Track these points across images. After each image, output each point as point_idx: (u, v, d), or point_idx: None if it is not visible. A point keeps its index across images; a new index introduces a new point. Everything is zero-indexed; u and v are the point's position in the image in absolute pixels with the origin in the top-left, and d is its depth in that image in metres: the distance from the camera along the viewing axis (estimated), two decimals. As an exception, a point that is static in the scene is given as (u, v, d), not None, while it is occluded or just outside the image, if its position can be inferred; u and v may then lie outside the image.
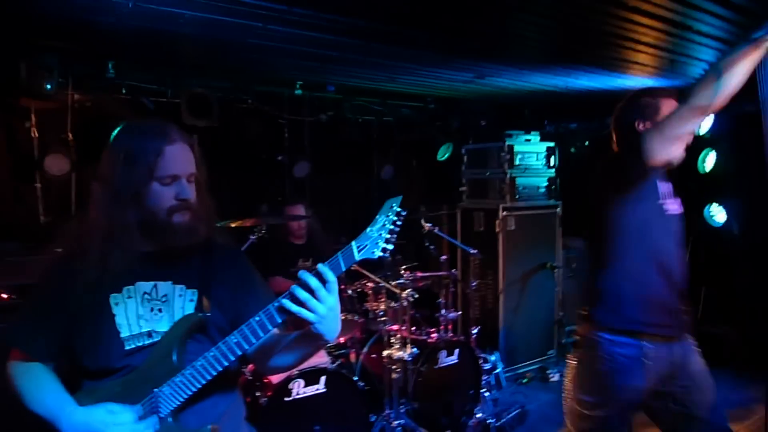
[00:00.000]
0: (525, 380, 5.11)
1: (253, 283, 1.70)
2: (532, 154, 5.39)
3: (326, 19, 3.09)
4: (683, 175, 5.68)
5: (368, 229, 1.43)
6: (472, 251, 4.38)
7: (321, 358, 3.39)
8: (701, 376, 2.29)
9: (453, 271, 4.26)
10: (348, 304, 3.83)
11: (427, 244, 4.34)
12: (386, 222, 1.43)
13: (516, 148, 5.24)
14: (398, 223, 1.44)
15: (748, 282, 5.29)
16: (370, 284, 3.80)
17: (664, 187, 2.34)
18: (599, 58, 4.04)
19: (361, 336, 3.96)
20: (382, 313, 3.75)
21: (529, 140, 5.40)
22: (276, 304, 1.42)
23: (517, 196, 5.24)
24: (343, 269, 1.41)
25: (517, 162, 5.24)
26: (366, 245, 1.41)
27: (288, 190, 5.29)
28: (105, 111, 4.19)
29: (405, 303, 3.67)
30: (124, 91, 4.24)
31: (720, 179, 5.24)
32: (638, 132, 2.26)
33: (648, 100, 2.33)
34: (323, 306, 1.39)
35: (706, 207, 5.37)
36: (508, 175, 5.18)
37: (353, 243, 1.42)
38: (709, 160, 5.24)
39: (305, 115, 5.37)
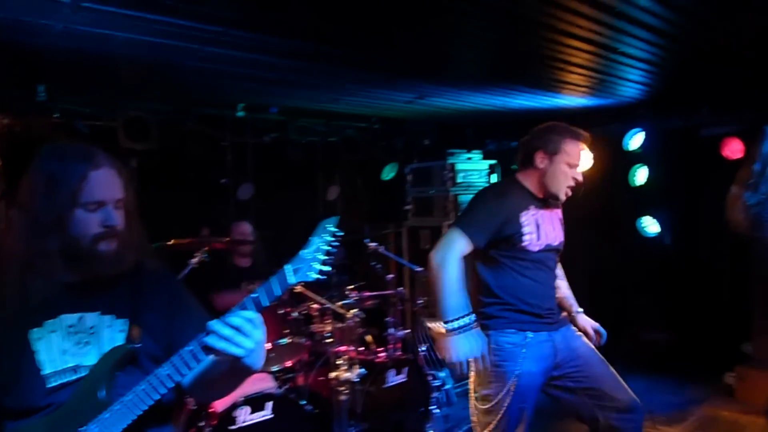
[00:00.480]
0: (475, 395, 5.14)
1: (187, 308, 1.64)
2: (474, 171, 5.51)
3: (265, 41, 3.09)
4: (617, 189, 5.95)
5: (303, 252, 1.41)
6: (417, 269, 4.41)
7: (267, 383, 3.33)
8: (589, 354, 2.62)
9: (400, 289, 4.28)
10: (294, 326, 3.78)
11: (373, 263, 4.35)
12: (321, 243, 1.41)
13: (458, 167, 5.35)
14: (334, 244, 1.43)
15: (682, 289, 5.53)
16: (315, 306, 3.77)
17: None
18: (534, 78, 4.19)
19: (309, 359, 3.91)
20: (329, 334, 3.72)
21: (470, 158, 5.52)
22: (205, 335, 1.38)
23: (460, 213, 5.32)
24: (278, 294, 1.39)
25: (459, 180, 5.34)
26: (300, 268, 1.39)
27: (232, 214, 5.21)
28: (36, 136, 4.04)
29: (351, 323, 3.66)
30: (57, 115, 4.10)
31: (652, 192, 5.48)
32: (534, 162, 2.58)
33: (554, 138, 2.56)
34: (250, 341, 1.36)
35: (639, 219, 5.59)
36: (451, 193, 5.26)
37: (287, 266, 1.39)
38: (640, 175, 5.47)
39: (248, 137, 5.32)
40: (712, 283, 5.35)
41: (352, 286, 4.05)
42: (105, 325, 1.51)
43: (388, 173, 6.30)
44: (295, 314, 3.80)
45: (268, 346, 3.53)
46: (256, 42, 3.08)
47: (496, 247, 2.57)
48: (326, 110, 5.24)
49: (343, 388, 3.57)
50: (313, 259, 1.40)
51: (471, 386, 2.65)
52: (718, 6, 2.86)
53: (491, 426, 2.50)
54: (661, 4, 2.75)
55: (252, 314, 1.36)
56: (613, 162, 5.32)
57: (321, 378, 3.81)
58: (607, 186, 5.16)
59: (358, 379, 3.60)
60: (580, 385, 2.58)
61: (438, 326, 2.46)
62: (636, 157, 5.45)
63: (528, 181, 2.64)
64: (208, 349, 1.37)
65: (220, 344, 1.34)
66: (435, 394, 4.17)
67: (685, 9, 2.85)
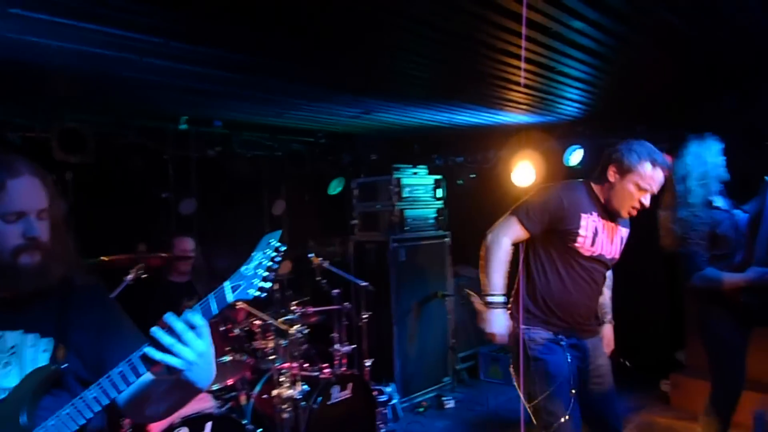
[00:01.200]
0: (421, 409, 5.16)
1: (117, 326, 1.56)
2: (420, 186, 5.56)
3: (206, 54, 3.05)
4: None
5: (243, 268, 1.36)
6: (362, 283, 4.40)
7: (206, 403, 3.24)
8: (607, 375, 2.81)
9: (346, 304, 4.26)
10: (235, 343, 3.69)
11: (318, 278, 4.31)
12: (263, 259, 1.36)
13: (404, 181, 5.39)
14: (277, 259, 1.38)
15: (619, 300, 5.70)
16: (257, 322, 3.70)
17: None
18: (478, 96, 4.28)
19: (252, 376, 3.82)
20: (271, 351, 3.65)
21: (416, 173, 5.57)
22: (139, 353, 1.31)
23: (406, 228, 5.37)
24: (215, 311, 1.33)
25: (405, 195, 5.38)
26: (240, 285, 1.34)
27: (174, 229, 5.08)
28: (-38, 147, 3.85)
29: (295, 339, 3.61)
30: (-14, 126, 3.92)
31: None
32: (607, 175, 2.62)
33: (632, 157, 2.56)
34: (191, 351, 1.28)
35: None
36: (397, 208, 5.30)
37: (226, 283, 1.34)
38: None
39: (191, 150, 5.20)
40: (648, 295, 5.54)
41: (296, 302, 4.00)
42: (28, 344, 1.43)
43: (335, 188, 6.29)
44: (236, 331, 3.72)
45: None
46: (197, 54, 3.04)
47: (551, 242, 2.63)
48: (272, 124, 5.20)
49: (286, 406, 3.50)
50: (254, 276, 1.35)
51: (521, 393, 2.66)
52: (647, 31, 3.01)
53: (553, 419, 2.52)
54: (594, 27, 2.87)
55: (198, 320, 1.30)
56: (555, 177, 5.47)
57: (263, 396, 3.73)
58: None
59: (300, 396, 3.55)
60: (588, 399, 2.67)
61: (478, 299, 2.63)
62: (576, 173, 5.62)
63: (599, 190, 2.67)
64: (148, 361, 1.30)
65: (159, 355, 1.28)
66: (381, 410, 4.15)
67: (617, 33, 2.98)
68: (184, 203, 5.11)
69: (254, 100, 4.20)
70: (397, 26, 2.77)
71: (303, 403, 3.57)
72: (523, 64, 3.38)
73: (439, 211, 5.71)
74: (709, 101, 4.49)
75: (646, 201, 2.57)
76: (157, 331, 1.29)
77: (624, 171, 2.55)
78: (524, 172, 5.57)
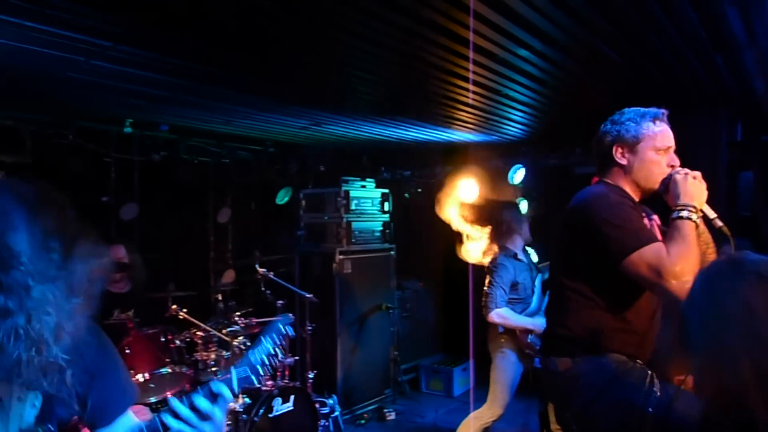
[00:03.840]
0: (363, 421, 5.18)
1: (113, 377, 1.43)
2: (368, 199, 5.61)
3: (155, 59, 3.01)
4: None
5: (251, 354, 1.32)
6: (307, 295, 4.40)
7: (144, 416, 3.15)
8: None
9: (289, 315, 4.23)
10: (175, 355, 3.62)
11: (263, 289, 4.28)
12: (273, 347, 1.34)
13: (352, 194, 5.42)
14: (281, 345, 1.37)
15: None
16: (199, 333, 3.64)
17: None
18: (425, 113, 4.38)
19: (191, 389, 3.74)
20: (213, 362, 3.60)
21: (364, 186, 5.62)
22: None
23: (353, 240, 5.40)
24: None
25: (353, 207, 5.41)
26: (248, 375, 1.31)
27: (113, 235, 4.93)
28: None
29: (237, 351, 3.57)
30: None
31: (532, 224, 5.85)
32: (615, 160, 2.17)
33: (629, 125, 2.17)
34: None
35: (521, 249, 5.95)
36: (344, 220, 5.32)
37: (234, 370, 1.30)
38: (522, 207, 5.84)
39: (135, 154, 5.08)
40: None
41: (239, 313, 3.96)
42: (14, 396, 1.27)
43: (282, 197, 6.26)
44: (177, 342, 3.65)
45: (146, 376, 3.35)
46: (145, 59, 3.00)
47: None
48: (219, 131, 5.15)
49: (227, 419, 3.45)
50: (261, 364, 1.32)
51: None
52: (582, 59, 3.17)
53: None
54: (538, 55, 3.01)
55: (205, 404, 1.26)
56: (500, 194, 5.65)
57: (203, 408, 3.66)
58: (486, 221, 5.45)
59: (242, 409, 3.51)
60: None
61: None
62: (518, 191, 5.82)
63: (620, 183, 2.17)
64: None
65: None
66: (323, 422, 4.14)
67: (557, 61, 3.14)
68: (125, 208, 4.97)
69: (202, 107, 4.15)
70: (349, 44, 2.82)
71: (244, 416, 3.53)
72: (470, 86, 3.50)
73: (385, 224, 5.77)
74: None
75: (676, 160, 2.13)
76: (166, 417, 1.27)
77: (633, 144, 2.13)
78: (469, 188, 5.73)
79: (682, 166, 2.10)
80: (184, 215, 5.64)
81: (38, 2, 2.23)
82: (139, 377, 3.35)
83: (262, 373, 1.32)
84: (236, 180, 5.98)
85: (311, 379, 4.36)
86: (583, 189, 2.19)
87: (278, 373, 4.01)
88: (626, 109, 2.19)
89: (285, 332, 1.37)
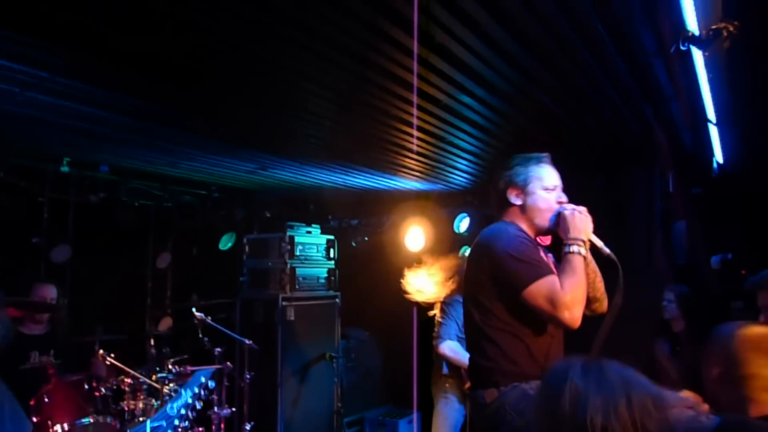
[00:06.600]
0: (302, 477, 4.94)
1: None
2: (313, 245, 5.55)
3: (96, 94, 2.93)
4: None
5: (168, 406, 1.27)
6: (247, 342, 4.25)
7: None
8: None
9: (227, 363, 4.07)
10: (100, 404, 3.39)
11: (200, 335, 4.10)
12: (190, 398, 1.28)
13: (297, 240, 5.36)
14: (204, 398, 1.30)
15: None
16: (128, 380, 3.43)
17: None
18: (372, 159, 4.41)
19: (116, 441, 3.50)
20: (141, 412, 3.38)
21: (310, 232, 5.57)
22: None
23: (297, 287, 5.30)
24: None
25: (297, 253, 5.33)
26: (162, 425, 1.24)
27: (42, 278, 4.67)
28: None
29: (167, 399, 3.37)
30: None
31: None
32: (510, 201, 2.35)
33: (518, 169, 2.37)
34: None
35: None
36: (288, 266, 5.23)
37: (148, 422, 1.24)
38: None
39: (71, 194, 4.89)
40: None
41: (173, 360, 3.77)
42: None
43: (226, 243, 6.12)
44: (102, 390, 3.42)
45: (66, 427, 3.11)
46: (85, 93, 2.92)
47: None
48: (163, 173, 5.03)
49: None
50: (177, 416, 1.26)
51: None
52: (525, 109, 3.29)
53: None
54: (481, 103, 3.10)
55: None
56: (446, 242, 5.69)
57: (129, 463, 3.42)
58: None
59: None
60: None
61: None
62: (464, 239, 5.88)
63: (517, 221, 2.33)
64: None
65: None
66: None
67: (501, 110, 3.24)
68: (56, 250, 4.74)
69: (145, 146, 4.05)
70: (296, 86, 2.84)
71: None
72: (415, 132, 3.55)
73: (330, 271, 5.70)
74: (580, 178, 4.91)
75: (563, 196, 2.34)
76: None
77: (523, 186, 2.31)
78: (415, 237, 5.76)
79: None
80: (121, 259, 5.43)
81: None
82: (58, 429, 3.10)
83: (178, 424, 1.25)
84: (178, 224, 5.83)
85: (248, 431, 4.16)
86: (487, 226, 2.37)
87: (213, 426, 3.80)
88: (514, 156, 2.41)
89: (206, 383, 1.31)
